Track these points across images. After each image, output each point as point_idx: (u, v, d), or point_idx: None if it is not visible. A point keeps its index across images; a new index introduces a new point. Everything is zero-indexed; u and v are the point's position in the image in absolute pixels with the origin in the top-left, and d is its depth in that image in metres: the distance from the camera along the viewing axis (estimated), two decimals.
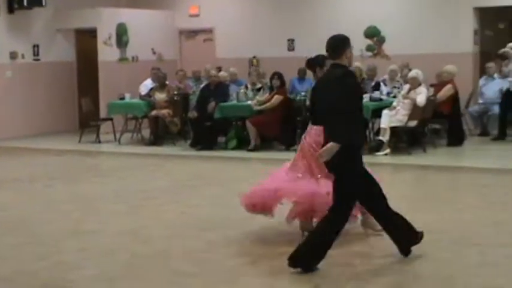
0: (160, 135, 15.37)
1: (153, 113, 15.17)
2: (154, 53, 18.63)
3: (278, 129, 13.86)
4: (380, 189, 6.51)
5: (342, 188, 6.19)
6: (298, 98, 14.43)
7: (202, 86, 15.34)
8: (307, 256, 6.18)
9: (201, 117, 14.45)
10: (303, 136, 7.43)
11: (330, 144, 5.96)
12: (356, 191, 6.29)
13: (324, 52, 6.72)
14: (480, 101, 15.20)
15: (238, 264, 6.57)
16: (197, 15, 19.16)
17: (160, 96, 15.27)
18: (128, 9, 18.35)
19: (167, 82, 15.66)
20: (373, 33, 16.96)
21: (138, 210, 9.11)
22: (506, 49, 14.12)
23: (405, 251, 6.53)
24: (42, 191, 10.64)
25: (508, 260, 6.48)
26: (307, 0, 17.86)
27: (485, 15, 16.49)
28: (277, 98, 13.81)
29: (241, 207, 8.79)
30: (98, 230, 8.05)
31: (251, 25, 18.44)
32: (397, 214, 6.48)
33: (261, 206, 7.28)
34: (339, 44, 6.35)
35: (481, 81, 15.37)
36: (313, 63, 7.74)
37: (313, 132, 7.10)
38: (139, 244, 7.43)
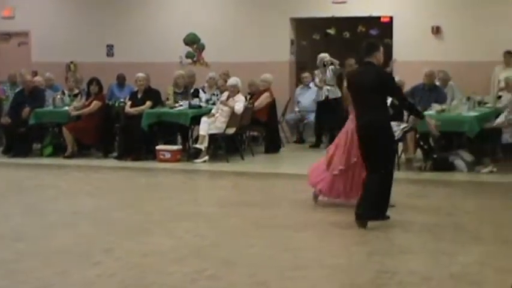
0: None
1: None
2: None
3: (96, 136, 13.62)
4: None
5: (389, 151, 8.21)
6: (117, 104, 14.25)
7: (17, 91, 14.82)
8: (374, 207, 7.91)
9: (14, 123, 13.95)
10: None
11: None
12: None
13: None
14: (296, 109, 15.63)
15: (48, 274, 6.36)
16: (11, 18, 18.50)
17: None
18: None
19: None
20: (192, 41, 17.03)
21: None
22: (328, 58, 14.58)
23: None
24: None
25: (316, 263, 6.66)
26: (127, 6, 17.70)
27: (301, 26, 16.99)
28: (95, 104, 13.57)
29: (56, 215, 8.62)
30: None
31: (69, 29, 18.03)
32: None
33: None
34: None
35: (297, 90, 15.82)
36: None
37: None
38: None
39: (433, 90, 13.04)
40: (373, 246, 7.25)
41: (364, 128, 8.03)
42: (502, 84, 13.71)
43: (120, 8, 17.73)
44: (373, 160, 8.04)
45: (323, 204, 9.20)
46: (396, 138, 11.69)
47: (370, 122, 7.96)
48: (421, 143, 12.37)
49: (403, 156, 11.99)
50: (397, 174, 11.41)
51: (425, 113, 11.93)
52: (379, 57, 8.06)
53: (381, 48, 8.12)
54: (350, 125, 8.81)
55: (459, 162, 11.64)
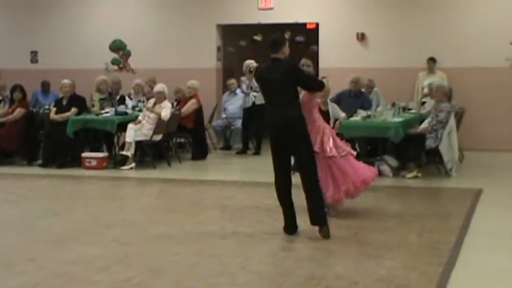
0: None
1: None
2: None
3: (20, 143, 13.40)
4: None
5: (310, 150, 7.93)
6: (42, 111, 14.03)
7: None
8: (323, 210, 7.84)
9: None
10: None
11: None
12: None
13: None
14: (223, 115, 15.63)
15: None
16: None
17: None
18: None
19: None
20: (118, 47, 16.90)
21: None
22: (253, 64, 14.61)
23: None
24: None
25: (242, 269, 6.66)
26: (51, 12, 17.47)
27: (228, 32, 17.02)
28: (19, 111, 13.35)
29: None
30: None
31: None
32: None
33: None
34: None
35: (224, 97, 15.83)
36: None
37: None
38: None
39: (358, 96, 13.21)
40: (300, 252, 7.29)
41: (278, 125, 7.89)
42: (426, 91, 13.98)
43: (44, 13, 17.48)
44: (301, 157, 7.96)
45: (249, 212, 9.21)
46: None
47: (284, 118, 7.84)
48: None
49: None
50: None
51: (351, 118, 12.16)
52: (285, 50, 8.02)
53: (287, 42, 8.09)
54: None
55: (384, 168, 11.80)
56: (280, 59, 7.97)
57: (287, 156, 8.03)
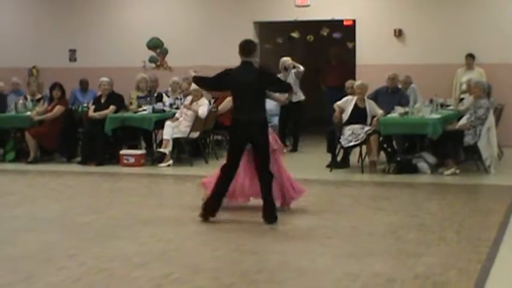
0: None
1: None
2: None
3: (59, 141, 13.53)
4: None
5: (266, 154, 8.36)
6: (80, 109, 14.17)
7: None
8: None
9: None
10: None
11: None
12: None
13: None
14: None
15: (12, 281, 6.28)
16: None
17: None
18: None
19: None
20: (156, 45, 17.00)
21: None
22: (289, 62, 14.62)
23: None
24: None
25: (281, 266, 6.67)
26: (90, 11, 17.61)
27: (264, 29, 17.02)
28: (58, 109, 13.49)
29: (19, 221, 8.55)
30: None
31: (31, 34, 17.92)
32: None
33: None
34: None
35: None
36: None
37: None
38: None
39: (395, 93, 13.15)
40: (338, 249, 7.28)
41: (243, 127, 8.29)
42: (464, 87, 13.86)
43: (83, 13, 17.64)
44: (261, 159, 8.37)
45: (287, 208, 9.22)
46: (360, 141, 11.81)
47: (250, 121, 8.24)
48: (385, 146, 12.46)
49: (366, 159, 12.04)
50: (361, 177, 11.58)
51: (389, 115, 12.11)
52: (256, 56, 8.60)
53: (257, 48, 8.70)
54: None
55: (422, 165, 11.74)
56: (251, 62, 8.37)
57: (242, 151, 8.49)
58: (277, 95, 9.07)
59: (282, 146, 9.31)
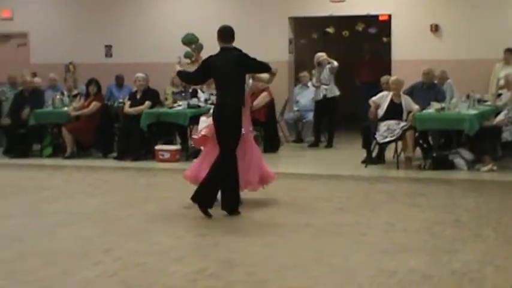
0: None
1: None
2: None
3: (95, 136, 13.65)
4: None
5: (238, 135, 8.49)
6: (116, 104, 14.27)
7: (16, 92, 14.83)
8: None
9: (14, 124, 13.97)
10: None
11: None
12: None
13: None
14: (295, 108, 15.62)
15: (48, 275, 6.36)
16: (10, 19, 18.51)
17: None
18: None
19: None
20: (191, 40, 16.97)
21: None
22: (323, 57, 14.59)
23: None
24: None
25: (315, 261, 6.66)
26: (125, 7, 17.71)
27: (299, 25, 16.99)
28: (95, 105, 13.60)
29: (56, 215, 8.64)
30: None
31: (67, 30, 18.05)
32: None
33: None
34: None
35: (296, 90, 15.82)
36: None
37: None
38: None
39: (431, 88, 13.04)
40: (372, 245, 7.24)
41: (221, 111, 8.51)
42: (502, 82, 13.71)
43: (118, 8, 17.74)
44: (224, 143, 8.54)
45: (321, 204, 9.21)
46: (395, 137, 11.75)
47: (228, 105, 8.46)
48: (421, 142, 12.38)
49: (402, 155, 11.98)
50: (397, 173, 11.53)
51: (424, 111, 12.02)
52: (233, 41, 8.77)
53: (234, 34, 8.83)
54: None
55: (459, 161, 11.64)
56: (230, 48, 8.65)
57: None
58: (261, 75, 9.30)
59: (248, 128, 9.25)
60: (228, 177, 8.54)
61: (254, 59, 8.79)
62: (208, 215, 8.43)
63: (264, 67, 8.98)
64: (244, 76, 8.73)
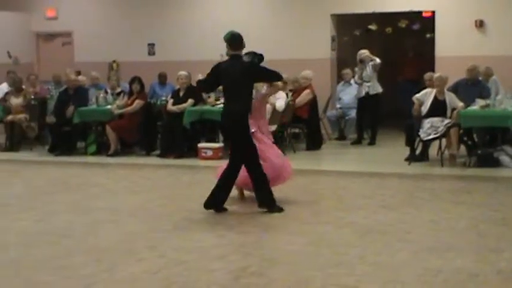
0: (17, 140, 14.87)
1: (9, 118, 14.71)
2: (10, 56, 18.06)
3: (138, 134, 13.72)
4: None
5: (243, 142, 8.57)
6: (159, 102, 14.34)
7: (61, 90, 14.99)
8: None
9: (59, 122, 14.12)
10: None
11: None
12: None
13: None
14: (338, 105, 15.55)
15: (94, 271, 6.42)
16: (55, 18, 18.72)
17: (16, 101, 14.80)
18: None
19: (23, 86, 15.21)
20: None
21: None
22: (365, 54, 14.51)
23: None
24: None
25: (359, 260, 6.63)
26: (168, 5, 17.79)
27: (342, 22, 16.91)
28: (138, 103, 13.67)
29: (100, 212, 8.72)
30: None
31: (111, 29, 18.19)
32: None
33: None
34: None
35: (339, 87, 15.75)
36: None
37: None
38: None
39: (476, 85, 12.90)
40: (418, 244, 7.18)
41: (226, 117, 8.67)
42: None
43: (161, 7, 17.83)
44: (235, 150, 8.71)
45: (365, 202, 9.16)
46: (439, 134, 11.63)
47: (232, 112, 8.56)
48: (465, 139, 12.24)
49: (446, 152, 11.86)
50: (441, 171, 11.42)
51: (469, 108, 11.89)
52: (243, 47, 8.70)
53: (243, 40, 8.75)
54: None
55: (504, 158, 11.49)
56: (240, 56, 8.62)
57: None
58: (264, 87, 9.29)
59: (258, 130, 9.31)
60: (257, 177, 8.64)
61: (264, 68, 8.81)
62: (224, 209, 8.72)
63: (274, 76, 8.97)
64: (251, 84, 8.74)
